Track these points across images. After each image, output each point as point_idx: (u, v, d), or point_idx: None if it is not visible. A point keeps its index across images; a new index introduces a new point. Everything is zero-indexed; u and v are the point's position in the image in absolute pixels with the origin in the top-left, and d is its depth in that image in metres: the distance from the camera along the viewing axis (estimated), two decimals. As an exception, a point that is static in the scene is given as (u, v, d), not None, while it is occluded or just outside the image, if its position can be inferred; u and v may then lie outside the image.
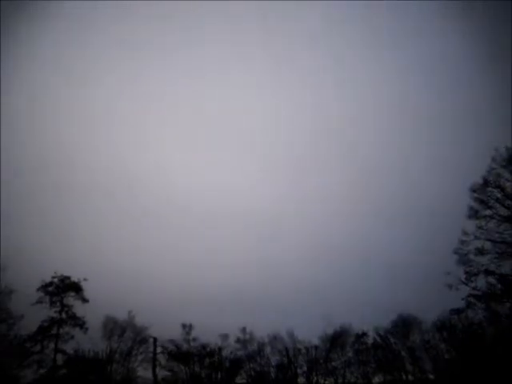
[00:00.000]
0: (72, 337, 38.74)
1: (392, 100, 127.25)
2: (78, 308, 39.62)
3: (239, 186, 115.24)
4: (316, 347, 49.01)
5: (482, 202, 29.22)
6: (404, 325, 46.25)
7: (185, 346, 48.86)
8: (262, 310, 58.14)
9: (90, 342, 41.45)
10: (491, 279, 29.14)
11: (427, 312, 45.05)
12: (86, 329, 39.45)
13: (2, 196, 59.01)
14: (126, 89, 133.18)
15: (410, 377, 45.20)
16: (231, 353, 49.87)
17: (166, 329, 45.86)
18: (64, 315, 38.69)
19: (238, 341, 50.29)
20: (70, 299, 39.64)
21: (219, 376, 49.01)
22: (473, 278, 29.00)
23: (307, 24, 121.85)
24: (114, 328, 44.00)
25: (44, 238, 65.27)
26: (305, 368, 48.68)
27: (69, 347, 39.36)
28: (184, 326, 49.53)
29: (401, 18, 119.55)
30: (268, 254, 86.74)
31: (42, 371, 37.25)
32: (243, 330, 50.53)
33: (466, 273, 29.05)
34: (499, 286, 29.33)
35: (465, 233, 29.46)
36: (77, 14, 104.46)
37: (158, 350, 44.05)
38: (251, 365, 49.82)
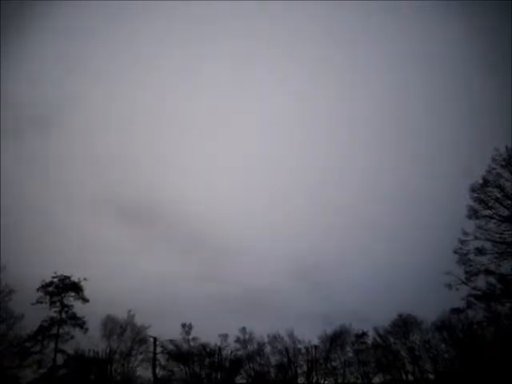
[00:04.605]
0: (72, 337, 38.57)
1: (391, 100, 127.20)
2: (78, 308, 39.56)
3: (238, 191, 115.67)
4: (316, 347, 49.04)
5: (481, 201, 29.16)
6: (404, 325, 46.22)
7: (185, 346, 48.90)
8: (262, 310, 58.16)
9: (90, 341, 41.50)
10: (491, 279, 29.12)
11: (427, 312, 45.15)
12: (86, 329, 39.35)
13: (3, 196, 58.96)
14: (128, 87, 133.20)
15: (410, 377, 45.14)
16: (231, 353, 49.89)
17: (166, 329, 45.94)
18: (64, 315, 38.51)
19: (237, 341, 50.35)
20: (70, 299, 39.49)
21: (219, 376, 48.91)
22: (473, 278, 28.97)
23: (307, 24, 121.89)
24: (114, 328, 43.99)
25: (43, 238, 65.27)
26: (305, 368, 48.67)
27: (69, 347, 39.29)
28: (184, 325, 49.60)
29: (401, 18, 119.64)
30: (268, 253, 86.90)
31: (41, 371, 37.12)
32: (243, 329, 50.69)
33: (466, 273, 29.01)
34: (499, 285, 29.28)
35: (465, 233, 29.43)
36: (77, 14, 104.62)
37: (158, 349, 43.90)
38: (251, 365, 49.78)
